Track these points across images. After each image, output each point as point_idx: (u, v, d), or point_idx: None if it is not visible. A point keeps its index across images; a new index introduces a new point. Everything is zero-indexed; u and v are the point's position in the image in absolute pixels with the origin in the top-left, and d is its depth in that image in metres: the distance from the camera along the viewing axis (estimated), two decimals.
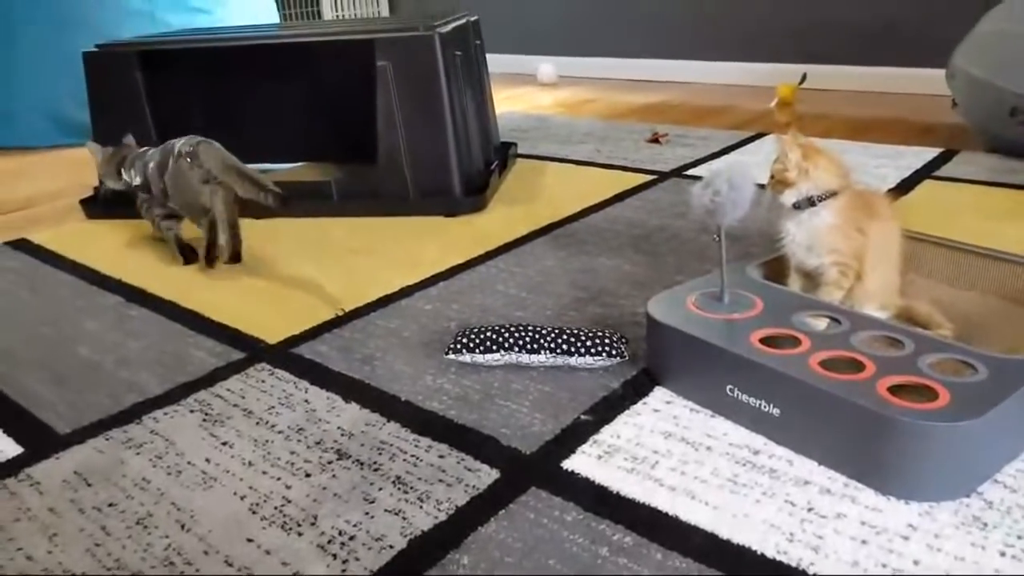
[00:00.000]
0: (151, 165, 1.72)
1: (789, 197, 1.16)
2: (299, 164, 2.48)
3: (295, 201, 1.96)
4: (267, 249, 1.76)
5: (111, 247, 1.83)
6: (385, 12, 4.76)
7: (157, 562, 0.85)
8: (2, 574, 0.85)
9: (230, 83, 2.38)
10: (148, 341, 1.36)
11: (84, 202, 2.11)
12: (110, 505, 0.94)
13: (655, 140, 2.52)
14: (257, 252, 1.74)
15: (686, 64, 3.65)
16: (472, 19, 2.25)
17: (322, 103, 2.41)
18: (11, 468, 1.03)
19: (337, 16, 4.63)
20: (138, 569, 0.84)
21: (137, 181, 1.76)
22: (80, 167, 2.43)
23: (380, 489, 0.94)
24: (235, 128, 2.40)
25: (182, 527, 0.90)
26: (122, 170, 1.78)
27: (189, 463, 1.01)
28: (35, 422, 1.13)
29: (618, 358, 1.16)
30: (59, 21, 2.83)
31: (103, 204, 2.03)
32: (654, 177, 2.14)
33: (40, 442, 1.08)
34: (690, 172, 2.17)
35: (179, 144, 1.68)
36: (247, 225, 1.80)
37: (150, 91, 2.05)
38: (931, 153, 2.20)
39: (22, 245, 1.89)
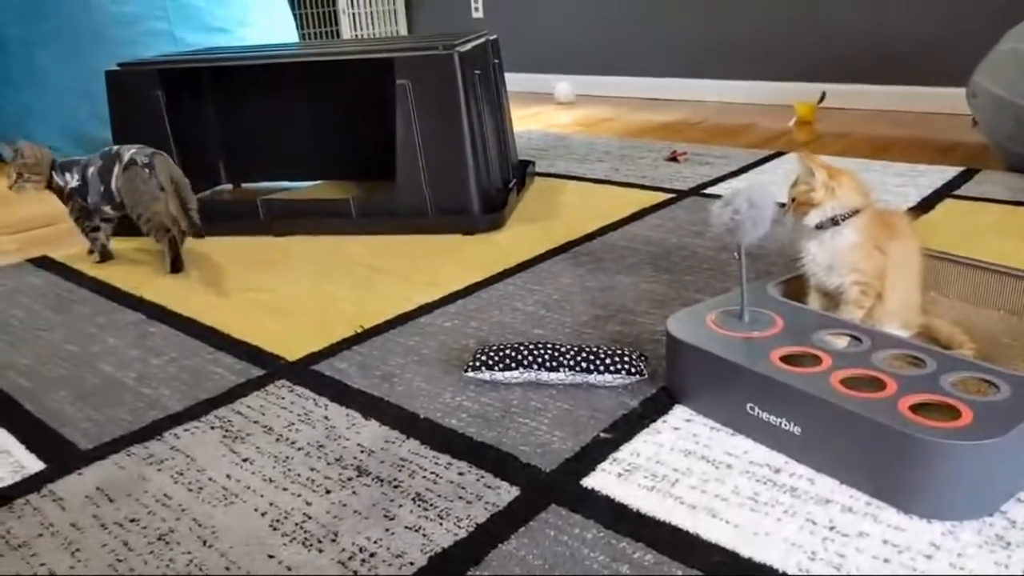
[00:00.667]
0: (91, 169, 1.78)
1: (813, 218, 1.15)
2: (318, 182, 2.50)
3: (303, 219, 1.99)
4: (286, 266, 1.77)
5: (131, 264, 1.85)
6: (404, 31, 4.80)
7: None
8: None
9: (250, 101, 2.41)
10: (169, 358, 1.37)
11: None
12: (132, 521, 0.95)
13: (673, 159, 2.53)
14: (276, 269, 1.75)
15: (704, 83, 3.66)
16: (491, 38, 2.27)
17: (341, 121, 2.43)
18: (34, 484, 1.04)
19: (356, 35, 4.67)
20: None
21: (75, 183, 1.79)
22: None
23: (400, 506, 0.94)
24: (254, 146, 2.44)
25: (204, 543, 0.90)
26: (54, 172, 1.81)
27: (210, 479, 1.02)
28: (57, 438, 1.14)
29: (637, 376, 1.16)
30: (80, 41, 2.86)
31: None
32: (673, 196, 2.14)
33: (62, 458, 1.09)
34: (709, 191, 2.17)
35: (130, 152, 1.75)
36: (268, 242, 1.82)
37: (171, 109, 2.08)
38: (951, 172, 2.20)
39: (44, 262, 1.91)
